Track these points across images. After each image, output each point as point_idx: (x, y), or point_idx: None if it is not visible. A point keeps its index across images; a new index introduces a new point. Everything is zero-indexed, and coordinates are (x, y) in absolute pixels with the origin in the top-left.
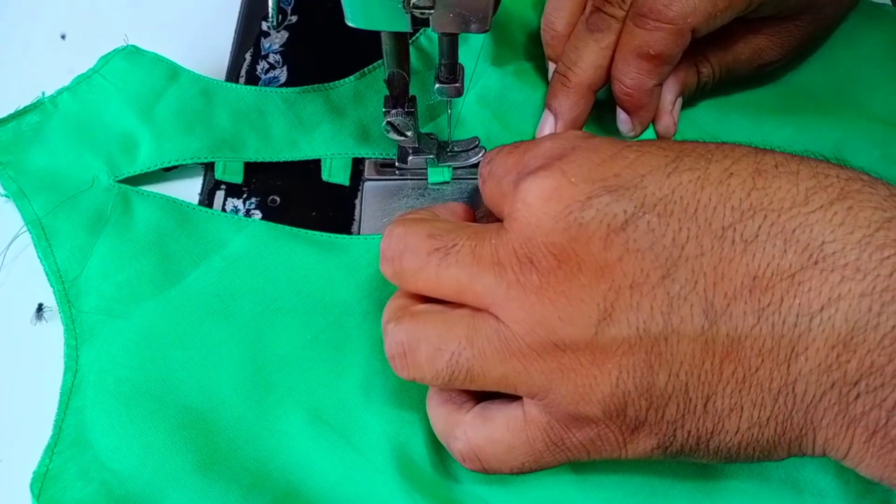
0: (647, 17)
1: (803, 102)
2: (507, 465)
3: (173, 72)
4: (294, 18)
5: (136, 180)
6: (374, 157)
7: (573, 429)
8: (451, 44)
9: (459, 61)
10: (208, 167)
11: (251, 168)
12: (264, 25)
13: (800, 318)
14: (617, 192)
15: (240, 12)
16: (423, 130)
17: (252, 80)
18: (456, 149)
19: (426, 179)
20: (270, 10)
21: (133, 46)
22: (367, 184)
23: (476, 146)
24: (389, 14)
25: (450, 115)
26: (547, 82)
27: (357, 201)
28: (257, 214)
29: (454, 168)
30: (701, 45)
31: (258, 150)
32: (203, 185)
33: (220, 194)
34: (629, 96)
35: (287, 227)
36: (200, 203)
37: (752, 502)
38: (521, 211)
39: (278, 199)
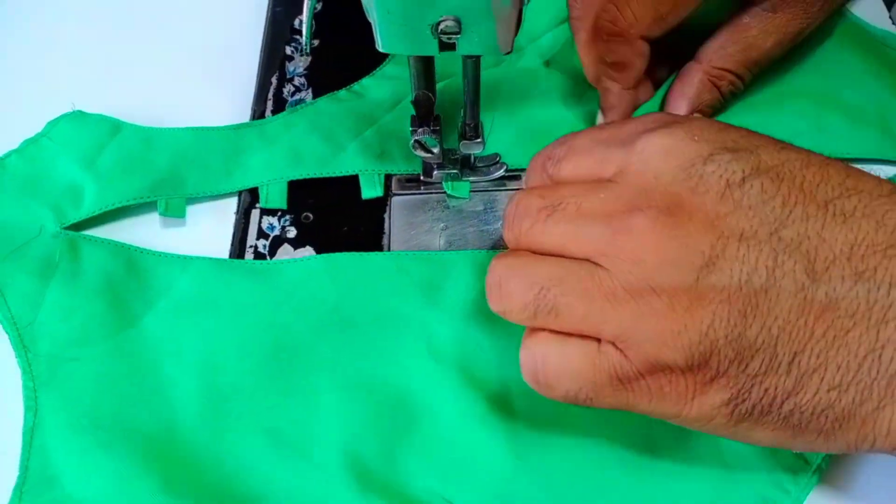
0: (602, 31)
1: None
2: (564, 385)
3: (116, 127)
4: (316, 42)
5: (84, 226)
6: (307, 176)
7: (646, 373)
8: (474, 66)
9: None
10: (251, 190)
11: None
12: (288, 50)
13: (892, 287)
14: (736, 153)
15: (263, 38)
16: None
17: (279, 102)
18: (478, 164)
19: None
20: (304, 37)
21: (79, 112)
22: (394, 199)
23: (497, 161)
24: (419, 39)
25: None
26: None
27: (386, 216)
28: (292, 231)
29: (472, 182)
30: (717, 58)
31: (196, 185)
32: (238, 204)
33: (255, 213)
34: (603, 93)
35: (226, 260)
36: (236, 222)
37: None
38: (636, 164)
39: (311, 216)
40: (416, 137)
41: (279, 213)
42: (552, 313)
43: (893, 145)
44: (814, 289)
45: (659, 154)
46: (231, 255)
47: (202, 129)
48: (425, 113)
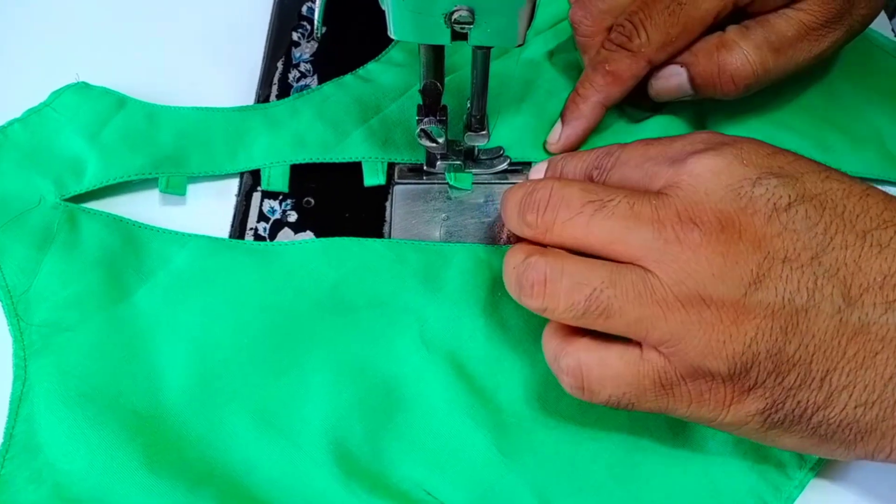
0: (613, 42)
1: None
2: (607, 390)
3: (120, 102)
4: (324, 29)
5: (84, 199)
6: (310, 161)
7: (688, 379)
8: (484, 58)
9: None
10: (252, 173)
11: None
12: (295, 35)
13: None
14: (782, 179)
15: (270, 23)
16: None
17: (284, 87)
18: (482, 156)
19: (443, 183)
20: (317, 21)
21: (83, 83)
22: (396, 187)
23: (501, 154)
24: (431, 28)
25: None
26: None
27: (387, 204)
28: (293, 215)
29: (475, 174)
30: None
31: (200, 164)
32: (240, 186)
33: (256, 196)
34: (573, 102)
35: (225, 239)
36: (237, 203)
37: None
38: (687, 181)
39: (313, 200)
40: (422, 126)
41: (280, 197)
42: (603, 315)
43: (892, 166)
44: (849, 313)
45: (710, 173)
46: (230, 237)
47: (207, 108)
48: (432, 102)
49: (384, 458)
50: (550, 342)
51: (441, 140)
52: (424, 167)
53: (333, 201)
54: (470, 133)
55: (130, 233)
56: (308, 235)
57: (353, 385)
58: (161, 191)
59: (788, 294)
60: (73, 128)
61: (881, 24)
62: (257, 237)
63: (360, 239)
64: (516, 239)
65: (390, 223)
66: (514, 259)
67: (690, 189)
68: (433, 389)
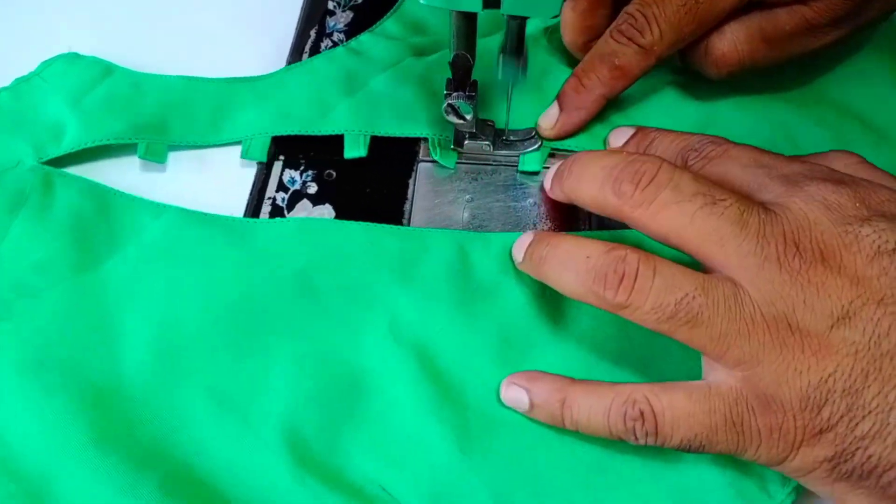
0: (623, 34)
1: (753, 83)
2: (680, 432)
3: (108, 70)
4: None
5: (65, 163)
6: (293, 133)
7: (759, 411)
8: (518, 28)
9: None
10: (279, 140)
11: (310, 142)
12: (330, 4)
13: None
14: (893, 223)
15: None
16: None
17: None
18: (512, 138)
19: (479, 165)
20: None
21: (74, 53)
22: (420, 165)
23: (533, 136)
24: None
25: (509, 102)
26: None
27: (410, 181)
28: (313, 187)
29: (504, 156)
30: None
31: (182, 133)
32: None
33: (277, 165)
34: (575, 91)
35: (201, 213)
36: (258, 172)
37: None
38: (799, 205)
39: (334, 173)
40: (450, 101)
41: (302, 168)
42: (690, 323)
43: None
44: None
45: (823, 204)
46: (248, 206)
47: (195, 78)
48: (462, 76)
49: (340, 451)
50: (602, 390)
51: (469, 117)
52: (452, 146)
53: (355, 175)
54: (504, 56)
55: (105, 199)
56: (327, 209)
57: (316, 373)
58: (140, 157)
59: (876, 336)
60: (59, 95)
61: None
62: (275, 207)
63: (337, 221)
64: (557, 225)
65: (412, 201)
66: (590, 248)
67: (801, 214)
68: (398, 383)
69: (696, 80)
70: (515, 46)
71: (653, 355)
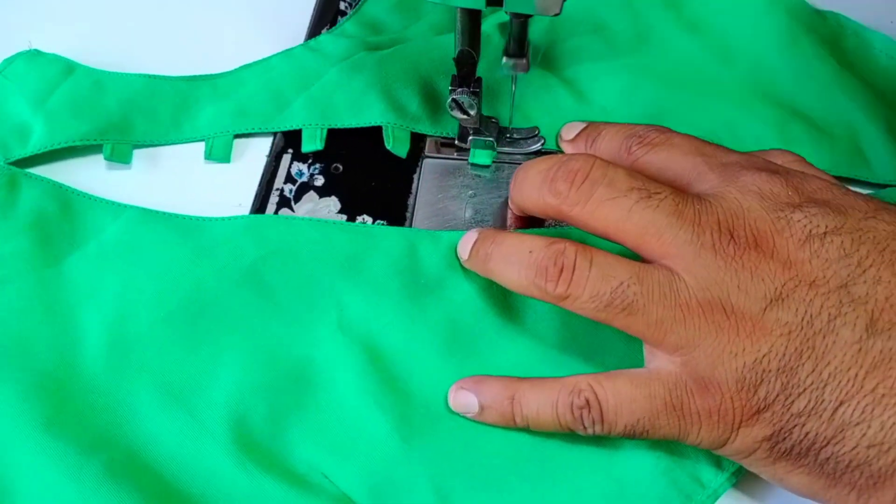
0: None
1: (696, 81)
2: (623, 418)
3: (69, 68)
4: None
5: (31, 164)
6: (252, 131)
7: (697, 394)
8: (521, 26)
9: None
10: (286, 133)
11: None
12: (342, 5)
13: None
14: (825, 209)
15: None
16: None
17: None
18: (515, 136)
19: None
20: None
21: (35, 50)
22: (425, 160)
23: (536, 135)
24: None
25: (513, 100)
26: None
27: (415, 175)
28: (320, 179)
29: (507, 154)
30: None
31: (145, 133)
32: (271, 147)
33: (286, 157)
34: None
35: (158, 212)
36: (267, 164)
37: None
38: (734, 194)
39: (341, 167)
40: (454, 97)
41: (310, 160)
42: (626, 311)
43: (864, 164)
44: (870, 343)
45: (757, 192)
46: (256, 197)
47: (155, 76)
48: (467, 72)
49: (284, 440)
50: (548, 384)
51: (473, 112)
52: (456, 142)
53: (362, 169)
54: (507, 58)
55: (69, 200)
56: (333, 200)
57: (264, 366)
58: (105, 158)
59: (808, 316)
60: (22, 94)
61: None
62: (282, 199)
63: (287, 217)
64: (518, 224)
65: (415, 196)
66: (531, 243)
67: (735, 202)
68: (344, 375)
69: (645, 81)
70: (518, 44)
71: (597, 347)
